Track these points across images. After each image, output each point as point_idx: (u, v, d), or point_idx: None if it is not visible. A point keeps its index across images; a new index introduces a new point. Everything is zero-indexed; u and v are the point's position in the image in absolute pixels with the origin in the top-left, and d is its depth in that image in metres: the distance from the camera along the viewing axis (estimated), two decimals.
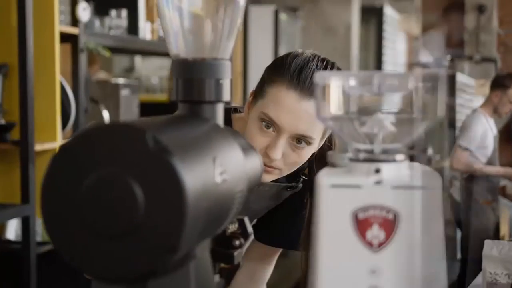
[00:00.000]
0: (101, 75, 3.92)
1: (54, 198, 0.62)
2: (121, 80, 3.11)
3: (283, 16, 4.97)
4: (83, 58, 2.61)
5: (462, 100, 6.82)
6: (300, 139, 1.21)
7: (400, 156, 0.69)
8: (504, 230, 4.51)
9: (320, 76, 0.69)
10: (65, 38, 2.56)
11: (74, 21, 2.60)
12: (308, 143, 1.22)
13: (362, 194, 0.67)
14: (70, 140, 0.62)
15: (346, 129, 0.71)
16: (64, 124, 2.54)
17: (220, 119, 0.80)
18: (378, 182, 0.67)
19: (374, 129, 0.70)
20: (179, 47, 0.80)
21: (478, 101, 8.43)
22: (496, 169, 4.29)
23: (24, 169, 2.27)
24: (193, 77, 0.78)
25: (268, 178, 1.26)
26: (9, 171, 2.40)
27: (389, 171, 0.68)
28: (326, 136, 1.29)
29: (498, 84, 4.26)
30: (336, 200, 0.67)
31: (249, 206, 1.31)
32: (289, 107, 1.19)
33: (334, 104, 0.70)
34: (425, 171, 0.72)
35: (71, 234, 0.61)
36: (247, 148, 0.84)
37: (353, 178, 0.67)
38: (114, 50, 3.16)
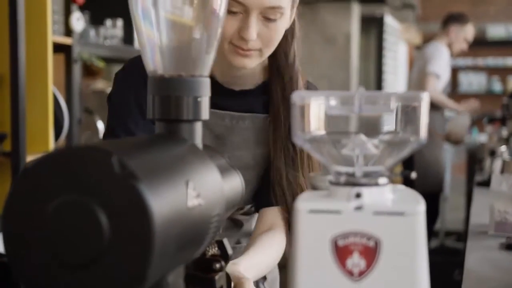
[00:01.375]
0: (100, 84, 3.90)
1: (16, 221, 0.59)
2: None
3: None
4: (76, 69, 2.59)
5: (388, 43, 6.90)
6: (270, 13, 1.17)
7: (382, 180, 0.66)
8: None
9: (298, 96, 0.66)
10: (59, 48, 2.54)
11: (68, 31, 2.57)
12: (280, 14, 1.18)
13: (342, 220, 0.64)
14: (35, 161, 0.59)
15: (326, 151, 0.68)
16: (57, 135, 2.51)
17: (198, 138, 0.76)
18: (359, 208, 0.64)
19: (355, 151, 0.66)
20: (156, 63, 0.77)
21: (402, 45, 8.43)
22: (458, 105, 4.55)
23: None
24: (170, 94, 0.75)
25: (249, 62, 1.21)
26: (0, 183, 2.37)
27: (370, 195, 0.65)
28: (296, 5, 1.25)
29: (456, 19, 4.41)
30: (314, 226, 0.64)
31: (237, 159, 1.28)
32: None
33: (313, 125, 0.67)
34: (408, 194, 0.68)
35: (32, 261, 0.58)
36: (226, 169, 0.80)
37: (332, 203, 0.64)
38: (110, 59, 3.14)
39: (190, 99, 0.75)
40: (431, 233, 4.53)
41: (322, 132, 0.67)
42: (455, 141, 4.84)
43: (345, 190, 0.65)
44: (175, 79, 0.75)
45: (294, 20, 1.28)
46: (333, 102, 0.66)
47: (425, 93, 0.65)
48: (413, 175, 0.61)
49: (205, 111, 0.77)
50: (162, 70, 0.77)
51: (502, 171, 2.73)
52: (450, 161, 5.98)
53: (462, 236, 5.11)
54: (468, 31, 4.42)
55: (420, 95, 0.64)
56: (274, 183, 1.27)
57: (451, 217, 5.59)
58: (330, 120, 0.67)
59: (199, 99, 0.76)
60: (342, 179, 0.66)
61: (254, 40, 1.17)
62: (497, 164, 2.83)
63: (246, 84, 1.32)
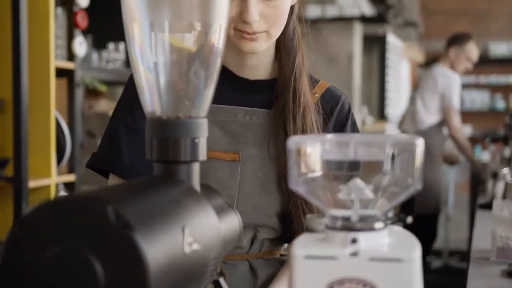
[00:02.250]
0: (103, 104, 3.91)
1: (13, 271, 0.59)
2: None
3: None
4: (79, 93, 2.60)
5: (391, 61, 6.93)
6: None
7: (378, 224, 0.66)
8: None
9: (293, 141, 0.66)
10: (62, 72, 2.55)
11: (71, 56, 2.59)
12: None
13: (337, 266, 0.64)
14: (31, 211, 0.60)
15: (322, 195, 0.68)
16: (59, 160, 2.52)
17: (195, 179, 0.77)
18: (355, 254, 0.64)
19: (351, 196, 0.67)
20: (154, 105, 0.78)
21: (405, 63, 8.47)
22: (470, 153, 4.48)
23: (17, 207, 2.24)
24: (167, 136, 0.76)
25: (258, 46, 1.15)
26: (2, 208, 2.38)
27: (366, 240, 0.65)
28: None
29: (455, 40, 4.44)
30: (310, 272, 0.64)
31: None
32: None
33: (309, 169, 0.67)
34: (404, 238, 0.68)
35: None
36: (223, 208, 0.81)
37: (328, 249, 0.64)
38: (113, 82, 3.15)
39: (188, 141, 0.76)
40: (428, 253, 4.52)
41: (317, 176, 0.68)
42: (451, 162, 4.84)
43: (341, 235, 0.65)
44: (172, 121, 0.76)
45: None
46: (328, 146, 0.66)
47: (420, 139, 0.65)
48: (409, 219, 0.61)
49: (202, 152, 0.77)
50: (160, 111, 0.78)
51: (505, 193, 2.72)
52: (453, 180, 5.97)
53: (466, 255, 5.10)
54: (469, 51, 4.42)
55: (415, 141, 0.64)
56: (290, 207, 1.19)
57: (454, 236, 5.57)
58: (325, 164, 0.67)
59: (196, 140, 0.76)
60: (338, 223, 0.66)
61: (257, 21, 1.12)
62: (500, 186, 2.82)
63: (260, 73, 1.26)
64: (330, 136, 0.69)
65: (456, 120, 4.27)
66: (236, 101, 1.23)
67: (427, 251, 4.39)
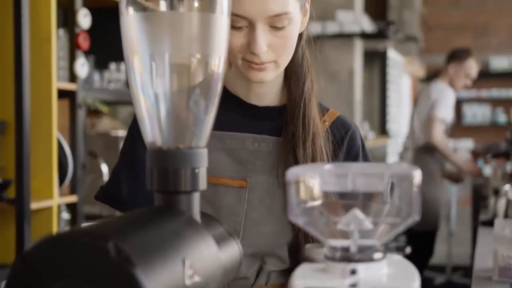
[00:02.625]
0: (106, 122, 3.92)
1: None
2: (121, 133, 3.11)
3: None
4: (81, 114, 2.61)
5: (392, 76, 6.93)
6: (276, 21, 1.10)
7: (377, 255, 0.67)
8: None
9: (292, 173, 0.67)
10: (63, 93, 2.57)
11: (73, 77, 2.60)
12: (288, 20, 1.11)
13: None
14: (32, 246, 0.60)
15: (321, 226, 0.69)
16: (61, 181, 2.52)
17: (196, 209, 0.77)
18: (354, 285, 0.64)
19: (350, 226, 0.67)
20: (154, 135, 0.79)
21: (406, 78, 8.48)
22: (460, 162, 4.47)
23: (19, 229, 2.24)
24: (168, 166, 0.76)
25: (266, 75, 1.15)
26: (4, 230, 2.38)
27: (366, 271, 0.65)
28: (307, 4, 1.19)
29: (454, 57, 4.44)
30: None
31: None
32: None
33: (308, 201, 0.68)
34: (403, 268, 0.69)
35: None
36: (224, 237, 0.81)
37: (327, 280, 0.65)
38: (115, 102, 3.17)
39: (188, 171, 0.77)
40: (424, 269, 4.50)
41: (316, 207, 0.68)
42: (456, 180, 4.83)
43: (340, 266, 0.66)
44: (173, 152, 0.76)
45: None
46: (327, 178, 0.67)
47: (417, 170, 0.66)
48: (408, 250, 0.62)
49: (203, 181, 0.78)
50: (161, 142, 0.78)
51: (507, 210, 2.72)
52: (455, 195, 5.97)
53: (469, 271, 5.08)
54: (469, 67, 4.44)
55: (412, 172, 0.65)
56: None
57: (457, 251, 5.56)
58: (324, 194, 0.68)
59: (196, 170, 0.77)
60: (337, 254, 0.67)
61: (265, 52, 1.11)
62: (502, 203, 2.82)
63: (269, 100, 1.25)
64: (328, 167, 0.69)
65: (436, 128, 4.25)
66: (245, 128, 1.23)
67: (424, 266, 4.38)
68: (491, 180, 4.18)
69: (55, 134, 2.44)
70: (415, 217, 0.66)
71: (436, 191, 4.31)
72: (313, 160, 1.18)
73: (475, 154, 6.62)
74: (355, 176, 0.66)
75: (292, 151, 1.20)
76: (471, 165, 4.76)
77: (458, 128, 10.04)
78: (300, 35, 1.21)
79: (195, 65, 0.77)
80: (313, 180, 0.67)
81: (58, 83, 2.48)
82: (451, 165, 4.58)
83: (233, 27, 1.10)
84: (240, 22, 1.10)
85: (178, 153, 0.77)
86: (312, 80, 1.25)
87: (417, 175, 0.65)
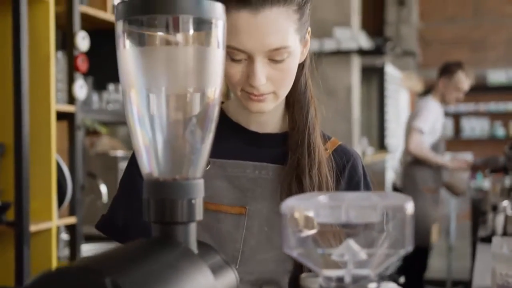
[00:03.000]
0: (105, 141, 3.93)
1: None
2: (120, 153, 3.12)
3: None
4: (79, 135, 2.63)
5: (390, 92, 6.94)
6: (275, 55, 1.10)
7: (372, 285, 0.67)
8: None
9: (286, 205, 0.68)
10: (62, 115, 2.58)
11: (71, 99, 2.62)
12: (287, 53, 1.11)
13: None
14: (32, 282, 0.61)
15: (315, 257, 0.69)
16: (61, 202, 2.53)
17: (192, 239, 0.78)
18: None
19: (345, 257, 0.68)
20: (151, 166, 0.80)
21: (404, 93, 8.48)
22: (445, 161, 4.43)
23: (18, 251, 2.25)
24: (164, 197, 0.77)
25: (265, 106, 1.15)
26: (3, 253, 2.38)
27: None
28: (307, 35, 1.19)
29: (444, 71, 4.44)
30: None
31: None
32: (246, 27, 1.08)
33: (302, 232, 0.69)
34: None
35: None
36: (220, 266, 0.82)
37: None
38: (114, 122, 3.18)
39: (185, 202, 0.78)
40: (421, 286, 4.50)
41: (311, 238, 0.69)
42: (456, 193, 4.84)
43: None
44: (169, 183, 0.78)
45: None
46: (321, 210, 0.68)
47: (410, 202, 0.67)
48: (402, 279, 0.62)
49: (199, 212, 0.79)
50: (157, 173, 0.79)
51: (505, 227, 2.72)
52: (454, 209, 5.97)
53: (469, 285, 5.07)
54: (458, 80, 4.41)
55: (404, 205, 0.66)
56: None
57: (457, 266, 5.55)
58: (319, 226, 0.69)
59: (193, 201, 0.78)
60: (332, 284, 0.68)
61: (264, 84, 1.12)
62: (500, 219, 2.83)
63: (270, 127, 1.26)
64: (322, 198, 0.70)
65: (412, 138, 4.26)
66: (245, 155, 1.23)
67: (419, 281, 4.37)
68: (490, 195, 4.19)
69: (54, 156, 2.45)
70: (409, 248, 0.67)
71: (425, 206, 4.29)
72: (319, 188, 1.19)
73: (474, 168, 6.62)
74: (349, 208, 0.67)
75: (297, 179, 1.20)
76: (457, 161, 4.76)
77: (456, 142, 10.08)
78: (302, 64, 1.22)
79: (191, 97, 0.78)
80: (307, 212, 0.68)
81: (57, 105, 2.49)
82: (449, 177, 4.58)
83: (232, 59, 1.11)
84: (239, 55, 1.10)
85: (175, 184, 0.78)
86: (316, 108, 1.25)
87: (410, 207, 0.66)
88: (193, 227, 0.79)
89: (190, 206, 0.78)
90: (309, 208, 0.69)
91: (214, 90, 0.80)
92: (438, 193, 4.49)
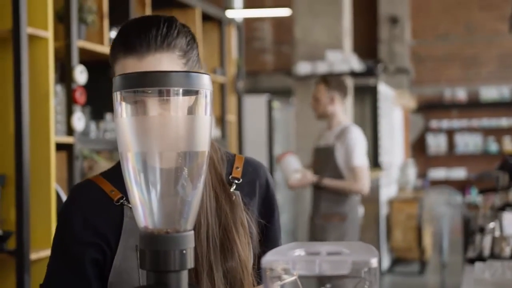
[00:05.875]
0: (103, 164, 3.99)
1: None
2: None
3: (275, 104, 5.11)
4: (78, 165, 2.71)
5: (383, 110, 7.01)
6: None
7: None
8: None
9: (266, 261, 0.77)
10: (61, 146, 2.67)
11: (70, 130, 2.71)
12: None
13: None
14: None
15: None
16: None
17: (184, 286, 0.87)
18: None
19: None
20: (146, 220, 0.89)
21: (397, 110, 8.55)
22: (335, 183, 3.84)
23: (19, 280, 2.33)
24: (158, 249, 0.86)
25: None
26: (5, 281, 2.46)
27: None
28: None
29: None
30: None
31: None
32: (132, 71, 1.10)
33: (280, 283, 0.78)
34: None
35: None
36: None
37: None
38: (111, 150, 3.27)
39: (177, 252, 0.87)
40: None
41: None
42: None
43: None
44: (163, 236, 0.87)
45: None
46: (297, 264, 0.77)
47: (375, 258, 0.76)
48: None
49: (190, 260, 0.88)
50: (152, 226, 0.88)
51: (492, 248, 2.79)
52: (447, 226, 6.05)
53: None
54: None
55: (370, 260, 0.75)
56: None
57: (451, 282, 5.63)
58: (297, 278, 0.78)
59: (184, 251, 0.87)
60: None
61: None
62: (487, 241, 2.90)
63: None
64: (298, 253, 0.79)
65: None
66: None
67: None
68: (480, 214, 4.26)
69: (54, 186, 2.53)
70: None
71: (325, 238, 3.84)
72: (199, 227, 1.20)
73: (468, 183, 6.65)
74: (321, 263, 0.76)
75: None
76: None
77: (450, 157, 10.19)
78: None
79: (182, 159, 0.87)
80: (285, 266, 0.77)
81: (56, 137, 2.58)
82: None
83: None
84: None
85: (168, 237, 0.87)
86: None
87: (374, 262, 0.75)
88: (185, 274, 0.88)
89: (182, 256, 0.87)
90: (286, 262, 0.77)
91: (203, 150, 0.89)
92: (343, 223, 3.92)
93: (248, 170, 1.32)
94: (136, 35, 1.17)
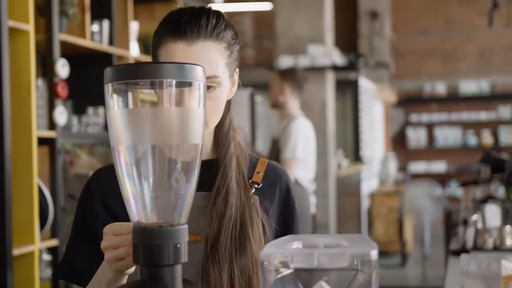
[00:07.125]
0: (84, 159, 3.95)
1: None
2: None
3: (258, 99, 5.10)
4: (60, 159, 2.68)
5: (364, 104, 7.03)
6: (207, 82, 1.11)
7: None
8: None
9: (265, 255, 0.76)
10: (43, 140, 2.63)
11: (52, 124, 2.67)
12: (218, 84, 1.19)
13: None
14: None
15: None
16: (42, 225, 2.58)
17: (178, 280, 0.86)
18: None
19: None
20: (139, 215, 0.87)
21: (378, 104, 8.57)
22: None
23: (2, 276, 2.29)
24: (152, 243, 0.85)
25: None
26: None
27: None
28: (236, 74, 1.26)
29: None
30: None
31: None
32: (181, 56, 1.16)
33: (278, 276, 0.76)
34: None
35: None
36: None
37: None
38: (94, 144, 3.24)
39: (171, 246, 0.85)
40: None
41: (286, 281, 0.77)
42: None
43: None
44: (156, 230, 0.85)
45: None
46: (295, 257, 0.76)
47: (375, 250, 0.75)
48: None
49: (184, 255, 0.87)
50: (145, 221, 0.87)
51: (475, 240, 2.81)
52: (429, 219, 6.09)
53: None
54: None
55: (369, 252, 0.74)
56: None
57: (432, 274, 5.66)
58: (295, 271, 0.77)
59: (178, 245, 0.86)
60: None
61: None
62: (470, 233, 2.92)
63: (203, 155, 1.23)
64: (296, 246, 0.78)
65: None
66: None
67: None
68: (461, 207, 4.29)
69: (36, 181, 2.50)
70: None
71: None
72: (223, 216, 1.22)
73: (448, 177, 6.68)
74: (320, 256, 0.75)
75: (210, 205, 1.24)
76: None
77: (430, 151, 10.25)
78: (229, 105, 1.29)
79: (175, 152, 0.86)
80: (283, 259, 0.76)
81: (38, 131, 2.55)
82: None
83: None
84: None
85: (161, 231, 0.85)
86: (238, 144, 1.30)
87: (374, 254, 0.74)
88: (178, 268, 0.86)
89: (176, 250, 0.85)
90: (285, 255, 0.76)
91: (196, 143, 0.88)
92: None
93: (270, 174, 1.32)
94: (187, 21, 1.19)
